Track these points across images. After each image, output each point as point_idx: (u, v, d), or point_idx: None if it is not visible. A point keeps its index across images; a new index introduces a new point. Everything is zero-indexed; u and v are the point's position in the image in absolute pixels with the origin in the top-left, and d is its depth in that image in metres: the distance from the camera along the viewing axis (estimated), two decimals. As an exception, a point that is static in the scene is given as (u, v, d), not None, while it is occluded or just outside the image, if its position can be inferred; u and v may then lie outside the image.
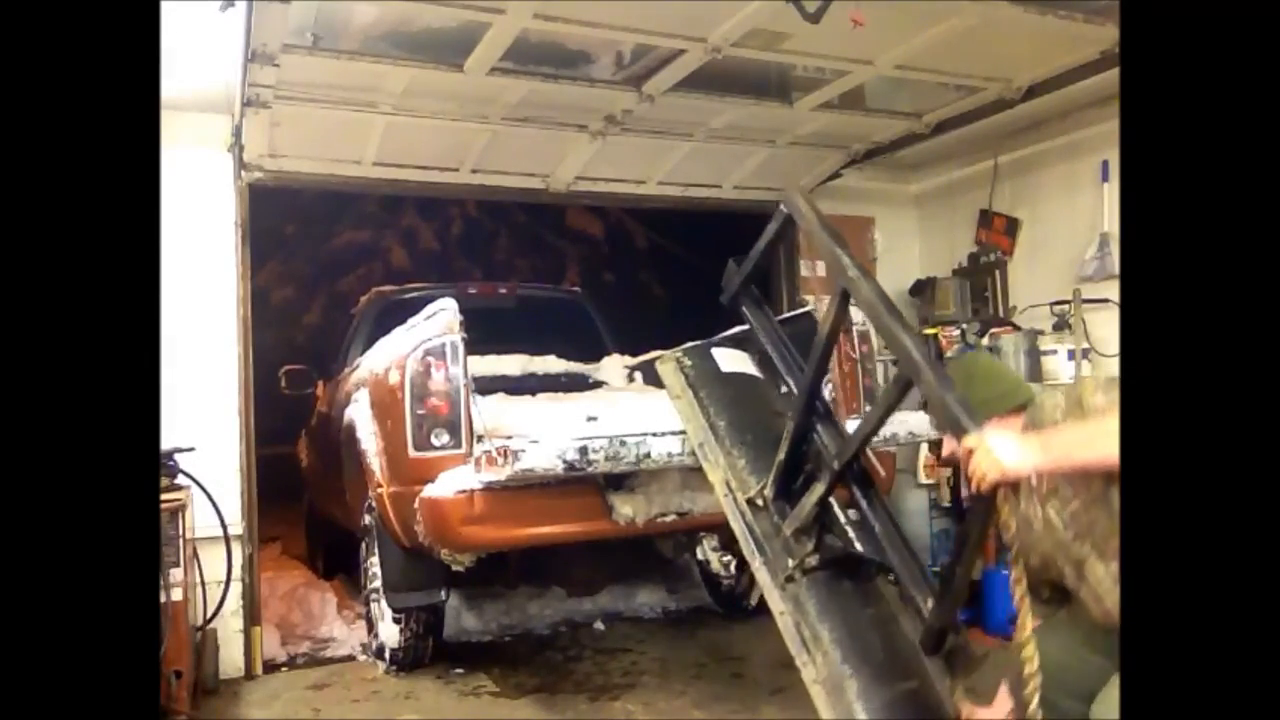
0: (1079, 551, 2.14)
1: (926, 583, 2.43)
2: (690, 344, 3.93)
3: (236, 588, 4.52)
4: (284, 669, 4.74)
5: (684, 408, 3.42)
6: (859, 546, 2.67)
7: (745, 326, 4.30)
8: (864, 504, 2.70)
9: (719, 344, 3.89)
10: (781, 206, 3.06)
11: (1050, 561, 2.21)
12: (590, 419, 3.86)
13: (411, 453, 3.76)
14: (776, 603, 2.72)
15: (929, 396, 2.25)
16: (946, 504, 5.41)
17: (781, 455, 2.87)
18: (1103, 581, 2.08)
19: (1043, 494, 2.19)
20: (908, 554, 2.59)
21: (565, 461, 3.37)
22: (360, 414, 4.41)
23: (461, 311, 3.79)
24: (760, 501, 2.90)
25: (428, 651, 4.43)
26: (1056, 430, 2.05)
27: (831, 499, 2.74)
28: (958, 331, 5.58)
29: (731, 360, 3.76)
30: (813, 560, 2.69)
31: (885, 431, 3.89)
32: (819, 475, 2.73)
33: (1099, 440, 1.85)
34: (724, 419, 3.28)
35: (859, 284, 2.59)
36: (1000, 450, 1.94)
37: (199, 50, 3.95)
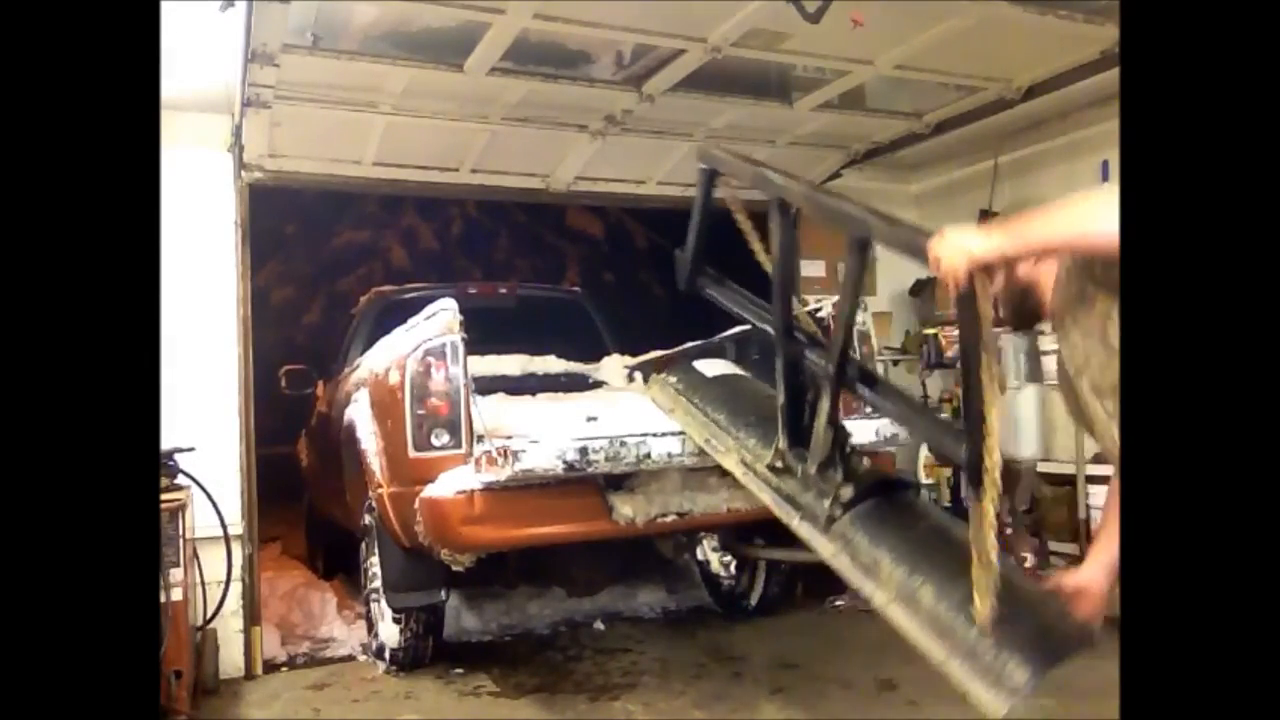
0: (1083, 393, 2.05)
1: (953, 431, 2.40)
2: (671, 352, 3.97)
3: (236, 588, 4.52)
4: (284, 669, 4.74)
5: (681, 417, 3.45)
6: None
7: (730, 332, 4.38)
8: (871, 394, 2.70)
9: (696, 355, 3.95)
10: (701, 165, 3.14)
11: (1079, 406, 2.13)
12: (590, 419, 3.86)
13: (411, 453, 3.76)
14: (825, 547, 2.66)
15: (882, 237, 2.31)
16: (947, 504, 5.41)
17: (782, 397, 2.85)
18: (1101, 419, 1.98)
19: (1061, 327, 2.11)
20: (928, 416, 2.58)
21: (565, 462, 3.38)
22: (360, 414, 4.41)
23: (461, 311, 3.79)
24: (780, 463, 2.87)
25: (428, 651, 4.43)
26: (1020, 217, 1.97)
27: (852, 447, 2.77)
28: (957, 331, 5.58)
29: (715, 367, 3.81)
30: (847, 492, 2.64)
31: (886, 432, 3.91)
32: (821, 393, 2.70)
33: (1062, 217, 1.82)
34: (722, 413, 3.31)
35: (789, 188, 2.72)
36: (963, 239, 1.95)
37: (199, 50, 3.95)
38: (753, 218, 3.08)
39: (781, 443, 2.85)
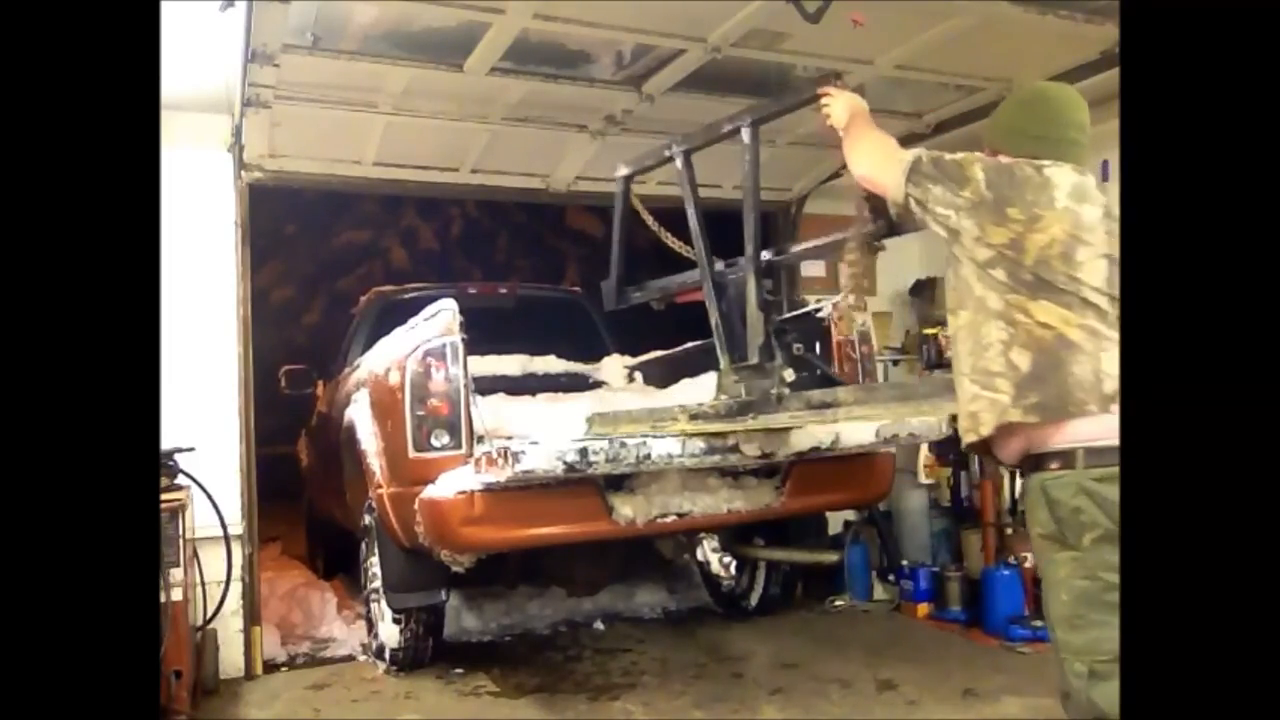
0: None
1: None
2: (670, 352, 4.49)
3: (236, 588, 4.51)
4: (284, 669, 4.74)
5: (626, 426, 3.64)
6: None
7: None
8: (784, 256, 3.29)
9: (694, 356, 4.40)
10: (619, 173, 3.59)
11: None
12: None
13: (411, 453, 3.75)
14: (782, 420, 2.98)
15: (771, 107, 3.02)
16: (946, 504, 5.41)
17: (715, 316, 3.14)
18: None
19: None
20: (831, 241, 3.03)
21: (565, 463, 3.37)
22: (360, 414, 4.41)
23: (461, 311, 3.79)
24: (725, 395, 3.19)
25: (428, 651, 4.43)
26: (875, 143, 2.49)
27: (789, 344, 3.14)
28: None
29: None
30: (788, 371, 2.96)
31: (886, 433, 3.90)
32: (746, 285, 3.01)
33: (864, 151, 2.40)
34: (666, 405, 3.63)
35: (692, 135, 3.53)
36: (841, 104, 2.64)
37: (199, 50, 3.94)
38: (658, 216, 3.57)
39: (723, 364, 3.10)
